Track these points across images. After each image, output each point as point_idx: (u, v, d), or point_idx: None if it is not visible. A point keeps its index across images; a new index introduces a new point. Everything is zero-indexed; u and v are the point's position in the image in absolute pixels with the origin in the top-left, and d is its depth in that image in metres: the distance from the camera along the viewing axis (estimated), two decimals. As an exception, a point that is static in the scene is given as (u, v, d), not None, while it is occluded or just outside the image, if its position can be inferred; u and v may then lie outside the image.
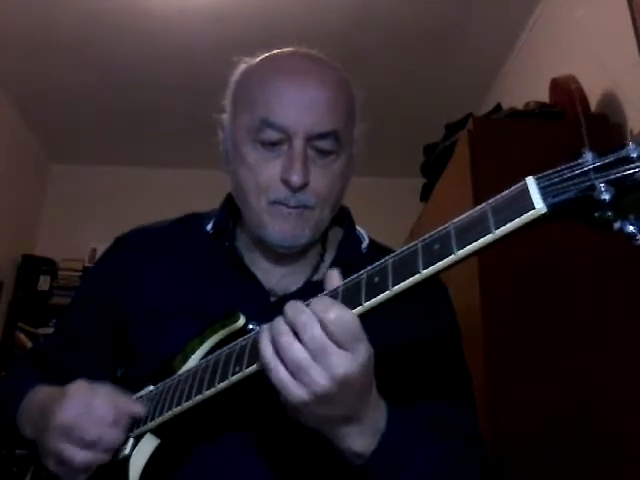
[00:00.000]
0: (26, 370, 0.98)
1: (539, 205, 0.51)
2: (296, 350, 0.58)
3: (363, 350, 0.59)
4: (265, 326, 0.63)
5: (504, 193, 0.55)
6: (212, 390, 0.70)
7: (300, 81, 0.83)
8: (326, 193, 0.83)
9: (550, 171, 0.53)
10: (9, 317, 3.77)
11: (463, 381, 0.89)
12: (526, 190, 0.53)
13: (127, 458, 0.75)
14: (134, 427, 0.76)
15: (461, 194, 1.82)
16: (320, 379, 0.58)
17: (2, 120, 3.65)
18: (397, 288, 0.58)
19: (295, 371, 0.59)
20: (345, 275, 0.80)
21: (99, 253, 4.16)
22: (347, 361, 0.58)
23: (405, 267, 0.58)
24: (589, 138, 1.89)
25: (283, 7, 2.84)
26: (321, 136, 0.81)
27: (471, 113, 2.08)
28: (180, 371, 0.79)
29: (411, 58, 3.15)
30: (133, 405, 0.76)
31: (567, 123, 1.95)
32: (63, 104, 3.67)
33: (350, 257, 0.90)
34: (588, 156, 0.52)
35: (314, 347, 0.58)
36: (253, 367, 0.66)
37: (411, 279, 0.57)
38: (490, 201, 0.56)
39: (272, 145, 0.82)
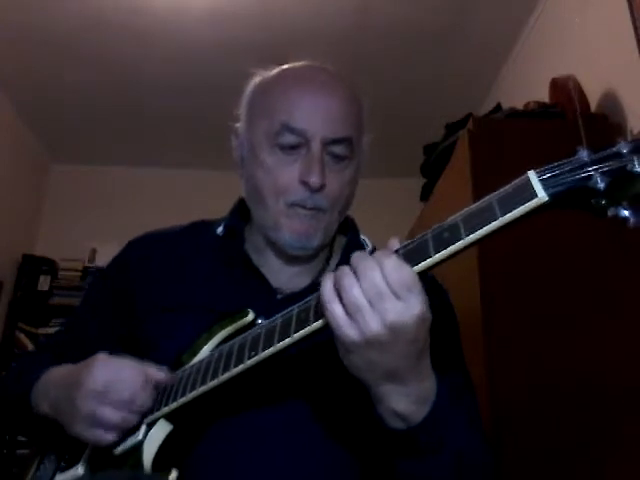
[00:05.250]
0: (37, 358, 1.01)
1: (541, 194, 0.57)
2: (356, 292, 0.62)
3: (416, 303, 0.62)
4: (330, 272, 0.67)
5: (507, 186, 0.61)
6: (227, 375, 0.73)
7: (318, 90, 0.89)
8: (338, 197, 0.89)
9: (549, 165, 0.59)
10: (9, 317, 3.77)
11: (465, 378, 0.91)
12: (528, 181, 0.58)
13: (140, 444, 0.77)
14: (147, 413, 0.79)
15: (461, 194, 1.82)
16: (372, 322, 0.61)
17: (2, 120, 3.65)
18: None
19: (352, 312, 0.62)
20: None
21: (99, 253, 4.13)
22: (399, 309, 0.61)
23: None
24: (589, 138, 1.89)
25: (283, 8, 2.84)
26: (336, 142, 0.87)
27: (471, 113, 2.08)
28: (190, 364, 0.81)
29: (411, 58, 3.15)
30: (158, 372, 0.80)
31: (567, 123, 1.95)
32: (63, 104, 3.66)
33: None
34: (583, 153, 0.58)
35: (372, 291, 0.61)
36: (270, 350, 0.69)
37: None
38: (494, 193, 0.61)
39: (291, 149, 0.87)
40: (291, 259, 0.93)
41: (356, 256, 0.64)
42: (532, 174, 0.58)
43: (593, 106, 2.07)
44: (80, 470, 0.83)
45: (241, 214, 0.99)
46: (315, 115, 0.86)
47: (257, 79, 0.95)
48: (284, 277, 0.94)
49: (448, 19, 2.87)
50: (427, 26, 2.91)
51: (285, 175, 0.87)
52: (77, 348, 0.97)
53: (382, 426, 0.70)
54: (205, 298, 0.91)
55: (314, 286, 0.89)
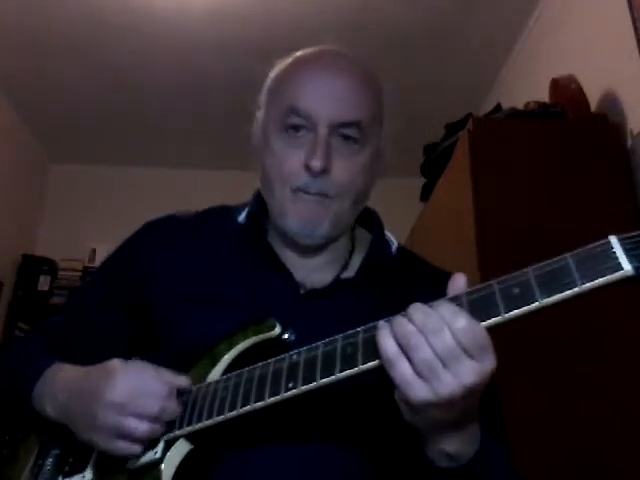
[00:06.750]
0: (37, 346, 0.96)
1: (627, 267, 0.54)
2: (428, 352, 0.58)
3: (491, 361, 0.59)
4: (381, 323, 0.62)
5: (586, 248, 0.57)
6: (259, 404, 0.69)
7: (325, 70, 0.86)
8: (347, 183, 0.84)
9: (632, 234, 0.55)
10: (9, 317, 3.77)
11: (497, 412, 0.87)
12: (612, 250, 0.55)
13: (159, 461, 0.74)
14: (166, 431, 0.75)
15: (461, 194, 1.81)
16: (449, 384, 0.58)
17: (2, 120, 3.65)
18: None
19: (425, 372, 0.58)
20: (377, 274, 0.88)
21: (99, 253, 4.10)
22: (476, 371, 0.58)
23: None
24: (589, 138, 1.89)
25: (283, 8, 2.84)
26: (345, 125, 0.83)
27: (471, 113, 2.08)
28: (210, 375, 0.77)
29: (411, 58, 3.15)
30: (179, 379, 0.76)
31: (567, 123, 1.95)
32: (63, 104, 3.67)
33: (380, 258, 0.91)
34: None
35: (444, 352, 0.58)
36: (311, 385, 0.66)
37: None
38: (571, 254, 0.57)
39: (296, 131, 0.83)
40: (304, 250, 0.88)
41: (418, 311, 0.60)
42: (615, 242, 0.55)
43: (593, 106, 2.07)
44: None
45: (261, 204, 0.93)
46: (320, 97, 0.83)
47: (276, 67, 0.92)
48: (304, 271, 0.88)
49: (448, 19, 2.87)
50: (427, 26, 2.91)
51: (290, 159, 0.83)
52: (79, 337, 0.94)
53: (427, 464, 0.68)
54: (226, 290, 0.86)
55: (337, 283, 0.87)
